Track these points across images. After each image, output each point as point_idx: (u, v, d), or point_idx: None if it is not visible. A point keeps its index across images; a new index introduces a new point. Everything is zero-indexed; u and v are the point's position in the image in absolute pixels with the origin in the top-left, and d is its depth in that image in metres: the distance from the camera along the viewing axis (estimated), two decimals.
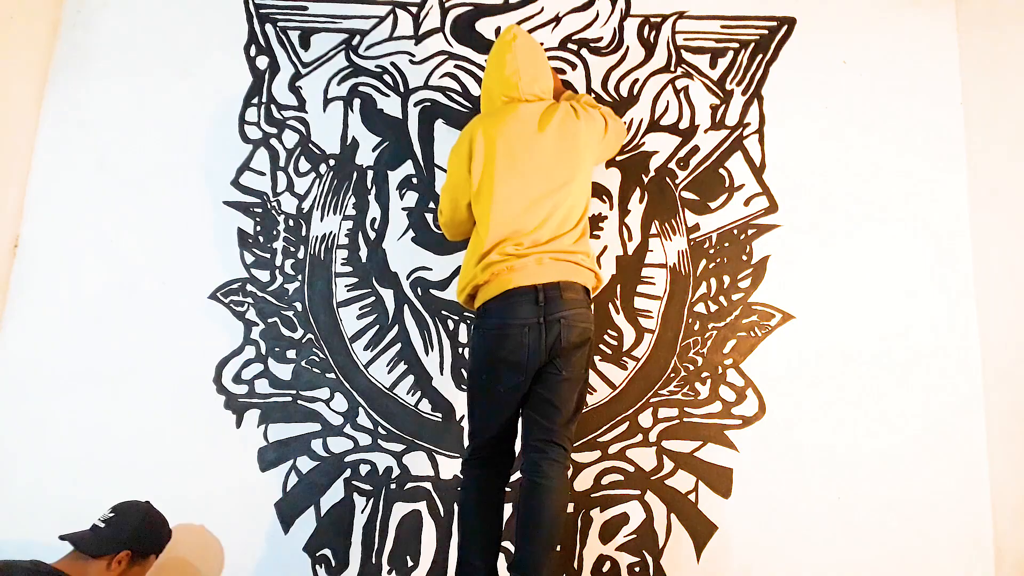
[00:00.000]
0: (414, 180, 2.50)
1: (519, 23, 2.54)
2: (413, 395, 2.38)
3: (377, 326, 2.42)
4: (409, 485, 2.32)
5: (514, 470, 2.12)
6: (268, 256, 2.47)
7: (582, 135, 2.11)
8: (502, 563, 2.11)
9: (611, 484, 2.31)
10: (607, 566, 2.26)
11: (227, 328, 2.41)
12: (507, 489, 2.11)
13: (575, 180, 2.06)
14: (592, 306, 2.09)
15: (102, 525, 2.03)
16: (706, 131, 2.50)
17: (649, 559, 2.25)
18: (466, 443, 2.18)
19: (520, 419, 2.05)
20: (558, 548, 2.00)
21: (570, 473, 2.05)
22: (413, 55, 2.56)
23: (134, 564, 2.02)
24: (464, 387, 2.36)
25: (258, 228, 2.48)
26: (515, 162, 2.05)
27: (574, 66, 2.53)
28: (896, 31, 2.55)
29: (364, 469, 2.33)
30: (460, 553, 2.02)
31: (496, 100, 2.17)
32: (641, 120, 2.51)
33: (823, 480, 2.29)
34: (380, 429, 2.36)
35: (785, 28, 2.56)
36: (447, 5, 2.58)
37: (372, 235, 2.48)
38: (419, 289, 2.44)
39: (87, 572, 1.96)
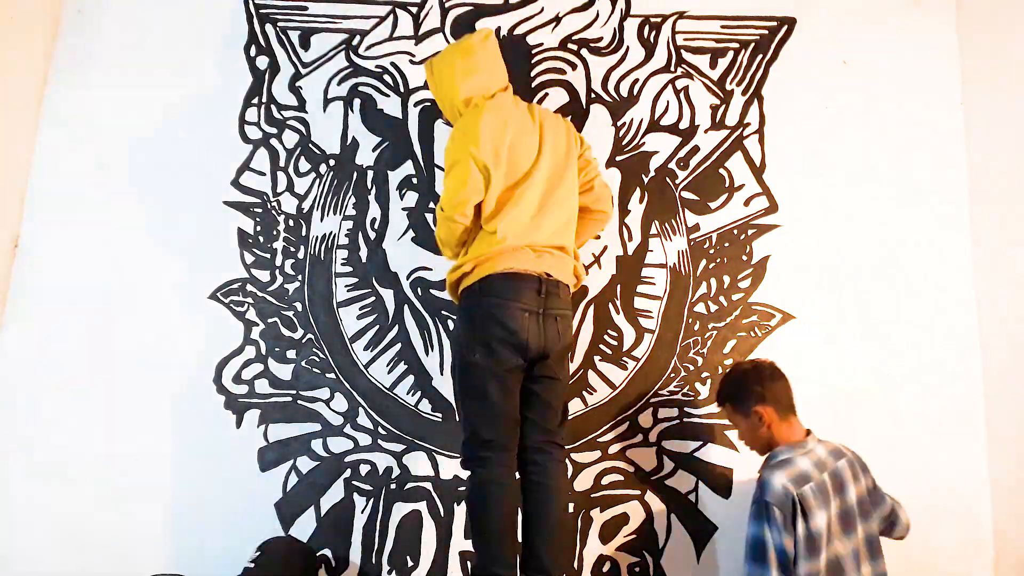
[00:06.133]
0: (414, 180, 2.50)
1: (519, 23, 2.55)
2: (413, 395, 2.38)
3: (377, 326, 2.42)
4: (409, 485, 2.32)
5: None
6: (268, 256, 2.46)
7: (563, 137, 2.12)
8: None
9: (611, 484, 2.31)
10: (607, 566, 2.26)
11: (227, 328, 2.41)
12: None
13: (573, 176, 2.10)
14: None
15: (251, 566, 2.04)
16: (706, 131, 2.50)
17: (649, 559, 2.25)
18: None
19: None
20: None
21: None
22: (413, 55, 2.56)
23: None
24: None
25: (258, 228, 2.48)
26: (521, 157, 2.01)
27: (574, 66, 2.53)
28: (896, 31, 2.55)
29: (364, 469, 2.33)
30: (481, 560, 1.86)
31: (473, 97, 2.05)
32: (641, 120, 2.51)
33: None
34: (380, 429, 2.36)
35: (785, 28, 2.56)
36: (447, 5, 2.58)
37: (372, 235, 2.47)
38: (419, 289, 2.44)
39: None
